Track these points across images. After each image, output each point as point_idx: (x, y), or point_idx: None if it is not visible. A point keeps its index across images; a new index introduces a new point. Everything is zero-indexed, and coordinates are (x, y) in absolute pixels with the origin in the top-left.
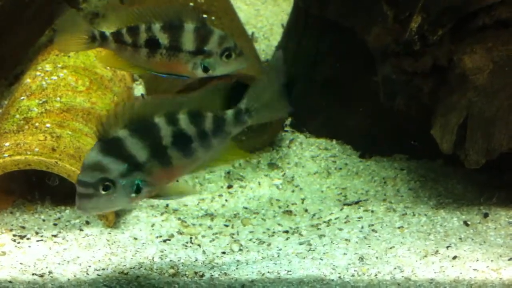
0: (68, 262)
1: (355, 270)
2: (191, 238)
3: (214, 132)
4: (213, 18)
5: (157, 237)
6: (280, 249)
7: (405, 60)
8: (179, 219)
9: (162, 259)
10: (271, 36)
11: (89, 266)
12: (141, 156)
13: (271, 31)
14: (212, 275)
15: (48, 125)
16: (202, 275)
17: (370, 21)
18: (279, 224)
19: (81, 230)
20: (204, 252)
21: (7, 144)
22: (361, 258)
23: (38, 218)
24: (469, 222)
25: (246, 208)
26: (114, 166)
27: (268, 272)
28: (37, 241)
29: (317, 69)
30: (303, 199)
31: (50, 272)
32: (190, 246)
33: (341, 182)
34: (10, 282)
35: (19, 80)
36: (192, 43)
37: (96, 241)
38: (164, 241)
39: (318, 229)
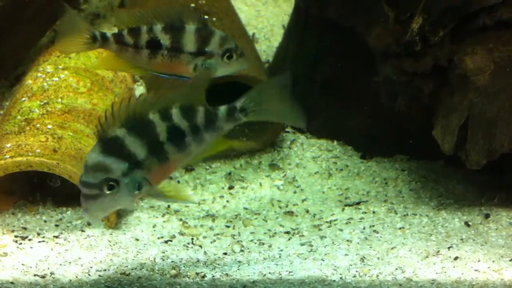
0: (70, 263)
1: (356, 271)
2: (192, 239)
3: (206, 127)
4: (214, 19)
5: (158, 238)
6: (281, 250)
7: (406, 60)
8: (181, 220)
9: (163, 260)
10: (272, 37)
11: (91, 267)
12: (140, 154)
13: (271, 32)
14: (213, 276)
15: (49, 126)
16: (204, 276)
17: (371, 22)
18: (280, 225)
19: (82, 231)
20: (205, 253)
21: (8, 145)
22: (363, 259)
23: (40, 219)
24: (470, 223)
25: (247, 209)
26: (116, 165)
27: (270, 272)
28: (39, 242)
29: (317, 69)
30: (304, 200)
31: (51, 273)
32: (192, 247)
33: (342, 183)
34: (12, 283)
35: (20, 81)
36: (193, 44)
37: (98, 242)
38: (166, 242)
39: (319, 230)
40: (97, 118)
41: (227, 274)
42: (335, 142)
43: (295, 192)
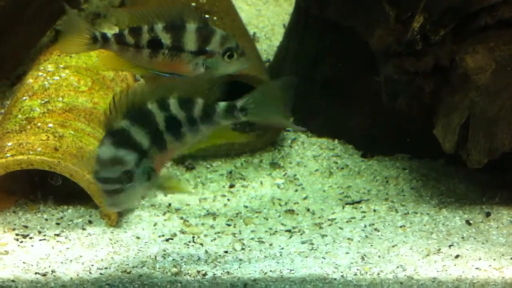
0: (71, 261)
1: (357, 269)
2: (193, 237)
3: (203, 120)
4: (214, 18)
5: (159, 236)
6: (282, 248)
7: (407, 60)
8: (182, 218)
9: (164, 258)
10: (272, 36)
11: (92, 265)
12: (145, 144)
13: (272, 31)
14: (214, 274)
15: (50, 125)
16: (205, 274)
17: (371, 21)
18: (281, 223)
19: (83, 229)
20: (206, 251)
21: (9, 144)
22: (364, 257)
23: (41, 217)
24: (471, 221)
25: (248, 207)
26: (129, 157)
27: (271, 271)
28: (40, 240)
29: (317, 69)
30: (305, 198)
31: (53, 271)
32: (193, 245)
33: (343, 181)
34: (13, 281)
35: (21, 80)
36: (194, 43)
37: (99, 240)
38: (167, 240)
39: (320, 228)
40: (97, 117)
41: (228, 272)
42: (336, 141)
43: (296, 191)
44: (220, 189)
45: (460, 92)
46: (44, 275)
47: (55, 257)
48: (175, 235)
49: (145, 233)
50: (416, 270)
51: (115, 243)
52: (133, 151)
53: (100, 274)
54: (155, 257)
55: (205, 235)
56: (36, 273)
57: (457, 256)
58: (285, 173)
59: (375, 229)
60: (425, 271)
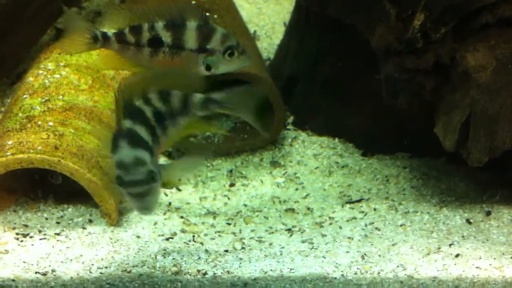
0: (71, 260)
1: (357, 268)
2: (193, 236)
3: (182, 111)
4: (215, 16)
5: (159, 235)
6: (282, 247)
7: (408, 58)
8: (182, 217)
9: (164, 257)
10: (273, 35)
11: (92, 265)
12: (149, 141)
13: (273, 29)
14: (215, 273)
15: (50, 123)
16: (205, 273)
17: (372, 20)
18: (281, 223)
19: (84, 228)
20: (206, 250)
21: (10, 142)
22: (364, 256)
23: (41, 216)
24: (471, 220)
25: (248, 206)
26: (146, 156)
27: (271, 270)
28: (40, 239)
29: (318, 68)
30: (305, 197)
31: (53, 271)
32: (193, 244)
33: (344, 180)
34: (13, 280)
35: (21, 79)
36: (194, 41)
37: (99, 239)
38: (167, 239)
39: (320, 227)
40: (98, 115)
41: (228, 272)
42: (336, 140)
43: (296, 190)
44: (221, 188)
45: (461, 90)
46: (44, 274)
47: (56, 256)
48: (175, 234)
49: (146, 232)
50: (417, 269)
51: (115, 242)
52: (146, 149)
53: (101, 273)
54: (155, 256)
55: (205, 234)
56: (36, 272)
57: (457, 255)
58: (286, 172)
59: (376, 228)
60: (426, 270)
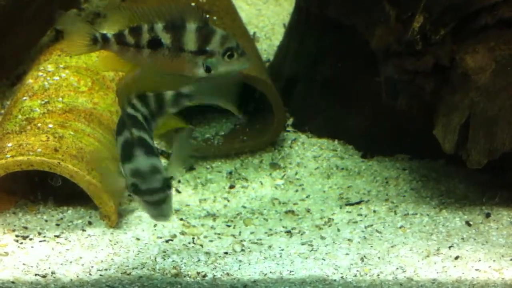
0: (71, 262)
1: (357, 270)
2: (193, 238)
3: (158, 111)
4: (214, 18)
5: (159, 238)
6: (282, 249)
7: (407, 59)
8: (181, 219)
9: (164, 259)
10: (272, 36)
11: (92, 267)
12: (153, 144)
13: (272, 30)
14: (214, 275)
15: (50, 125)
16: (205, 275)
17: (371, 21)
18: (281, 225)
19: (83, 230)
20: (206, 252)
21: (9, 144)
22: (363, 258)
23: (41, 218)
24: (471, 222)
25: (248, 208)
26: (159, 163)
27: (271, 272)
28: (40, 241)
29: (317, 69)
30: (305, 199)
31: (52, 273)
32: (193, 247)
33: (343, 182)
34: (13, 282)
35: (21, 81)
36: (194, 43)
37: (99, 241)
38: (167, 241)
39: (320, 229)
40: (97, 117)
41: (228, 274)
42: (336, 142)
43: (296, 191)
44: (220, 190)
45: (460, 92)
46: (44, 276)
47: (55, 258)
48: (175, 236)
49: (145, 234)
50: (416, 271)
51: (115, 244)
52: (158, 156)
53: (100, 275)
54: (155, 258)
55: (205, 236)
56: (36, 274)
57: (457, 257)
58: (285, 174)
59: (375, 230)
60: (425, 272)
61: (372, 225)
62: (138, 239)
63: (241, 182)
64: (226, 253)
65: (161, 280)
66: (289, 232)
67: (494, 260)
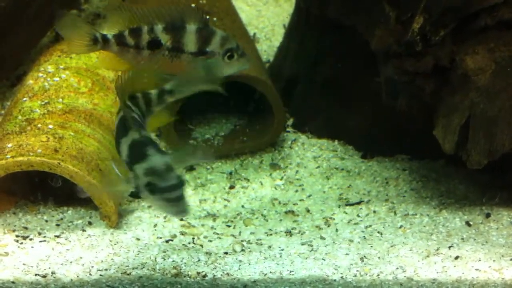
0: (71, 262)
1: (357, 270)
2: (193, 238)
3: (147, 110)
4: (214, 19)
5: (159, 238)
6: (282, 250)
7: (407, 60)
8: (181, 219)
9: (164, 259)
10: (272, 37)
11: (92, 267)
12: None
13: (272, 31)
14: (214, 275)
15: (50, 126)
16: (205, 275)
17: (371, 22)
18: (281, 225)
19: (83, 230)
20: (206, 252)
21: (9, 145)
22: (363, 258)
23: (41, 218)
24: (471, 222)
25: (248, 208)
26: (170, 159)
27: (271, 272)
28: (40, 241)
29: (317, 69)
30: (305, 199)
31: (53, 273)
32: (193, 247)
33: (343, 182)
34: (13, 282)
35: (21, 81)
36: (194, 44)
37: (99, 241)
38: (167, 241)
39: (320, 229)
40: (97, 118)
41: (228, 274)
42: (336, 142)
43: (296, 192)
44: (220, 190)
45: (460, 93)
46: (44, 276)
47: (55, 258)
48: (175, 236)
49: (145, 235)
50: (416, 271)
51: (115, 244)
52: (166, 153)
53: (100, 275)
54: (155, 258)
55: (205, 237)
56: (36, 274)
57: (457, 257)
58: (285, 174)
59: (375, 230)
60: (425, 272)
61: (372, 225)
62: (138, 239)
63: (241, 182)
64: (226, 253)
65: (161, 280)
66: (289, 232)
67: (494, 260)
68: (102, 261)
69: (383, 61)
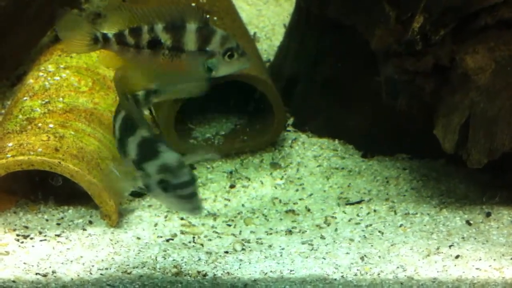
0: (72, 261)
1: (357, 269)
2: (194, 237)
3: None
4: (215, 18)
5: (160, 237)
6: (282, 249)
7: (407, 60)
8: (182, 218)
9: (165, 258)
10: (273, 36)
11: (92, 266)
12: None
13: (273, 31)
14: (215, 275)
15: (51, 125)
16: (205, 275)
17: (371, 21)
18: (281, 224)
19: (84, 229)
20: (207, 251)
21: (10, 144)
22: (364, 257)
23: (42, 218)
24: (471, 222)
25: (248, 207)
26: (179, 156)
27: (271, 271)
28: (41, 240)
29: (317, 69)
30: (305, 199)
31: (53, 272)
32: (193, 246)
33: (344, 181)
34: (13, 281)
35: (21, 81)
36: (194, 43)
37: (99, 240)
38: (167, 240)
39: (320, 228)
40: (98, 117)
41: (228, 273)
42: (336, 141)
43: (296, 191)
44: (221, 189)
45: (460, 92)
46: (44, 275)
47: (56, 257)
48: (175, 235)
49: (146, 234)
50: (417, 270)
51: (115, 243)
52: (175, 150)
53: (101, 274)
54: (156, 257)
55: (206, 236)
56: (36, 273)
57: (457, 256)
58: (286, 173)
59: (376, 229)
60: (425, 272)
61: (372, 225)
62: (138, 238)
63: (242, 181)
64: (226, 252)
65: (162, 279)
66: (289, 231)
67: (494, 259)
68: (102, 260)
69: (383, 61)
